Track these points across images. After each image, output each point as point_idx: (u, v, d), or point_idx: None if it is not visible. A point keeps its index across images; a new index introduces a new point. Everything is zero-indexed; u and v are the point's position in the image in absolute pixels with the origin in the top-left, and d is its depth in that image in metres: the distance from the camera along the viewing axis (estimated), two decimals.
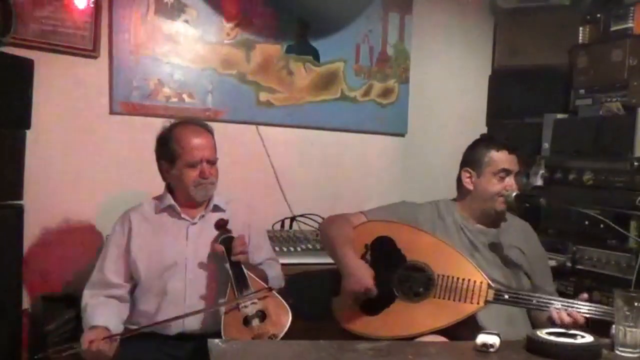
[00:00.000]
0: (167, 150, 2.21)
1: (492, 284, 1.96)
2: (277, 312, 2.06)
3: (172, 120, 2.31)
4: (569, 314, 1.83)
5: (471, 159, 2.21)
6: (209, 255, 2.19)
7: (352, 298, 2.04)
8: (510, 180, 2.14)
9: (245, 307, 2.05)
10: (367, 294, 1.97)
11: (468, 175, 2.21)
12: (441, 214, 2.22)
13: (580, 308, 1.85)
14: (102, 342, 1.96)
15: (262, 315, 2.05)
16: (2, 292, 2.28)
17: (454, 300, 1.97)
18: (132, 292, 2.22)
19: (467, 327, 1.93)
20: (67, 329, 2.68)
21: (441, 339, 1.92)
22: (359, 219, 2.20)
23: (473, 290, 1.95)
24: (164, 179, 2.29)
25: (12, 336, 2.38)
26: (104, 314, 2.09)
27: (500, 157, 2.16)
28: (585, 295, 1.91)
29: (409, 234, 2.12)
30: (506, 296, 1.94)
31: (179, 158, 2.18)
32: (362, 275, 1.98)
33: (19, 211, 2.35)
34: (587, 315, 1.84)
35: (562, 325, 1.80)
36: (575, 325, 1.81)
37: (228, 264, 2.10)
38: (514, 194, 2.20)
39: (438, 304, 1.98)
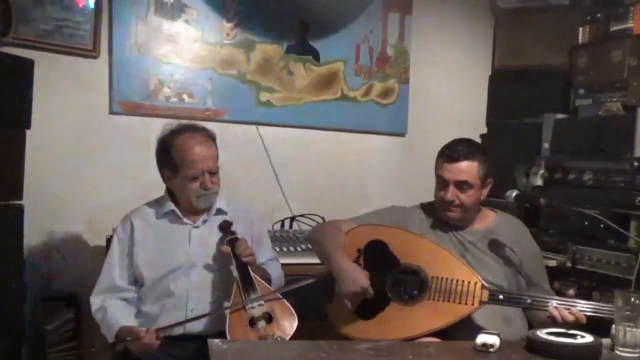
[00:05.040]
0: (168, 159, 2.19)
1: (486, 285, 1.96)
2: (283, 315, 2.06)
3: (173, 124, 2.27)
4: (570, 312, 1.83)
5: None
6: (212, 257, 2.20)
7: (347, 302, 2.04)
8: (447, 190, 2.10)
9: (253, 308, 2.05)
10: (364, 294, 1.97)
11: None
12: (429, 216, 2.23)
13: (576, 306, 1.85)
14: (154, 335, 1.98)
15: (269, 317, 2.05)
16: (2, 292, 2.28)
17: (448, 302, 1.96)
18: None
19: (463, 328, 1.93)
20: (67, 329, 2.69)
21: (437, 341, 1.91)
22: (348, 225, 2.19)
23: (467, 292, 1.95)
24: (165, 182, 2.27)
25: (12, 336, 2.38)
26: (126, 315, 2.11)
27: (439, 165, 2.14)
28: (572, 292, 1.91)
29: (401, 237, 2.12)
30: (500, 296, 1.94)
31: (181, 170, 2.16)
32: (356, 276, 1.98)
33: (19, 211, 2.35)
34: (588, 313, 1.84)
35: (564, 324, 1.79)
36: (577, 323, 1.80)
37: (235, 266, 2.10)
38: (514, 194, 2.18)
39: (433, 306, 1.97)
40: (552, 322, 1.84)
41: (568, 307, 1.85)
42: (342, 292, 2.00)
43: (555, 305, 1.86)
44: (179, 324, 2.09)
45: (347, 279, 1.98)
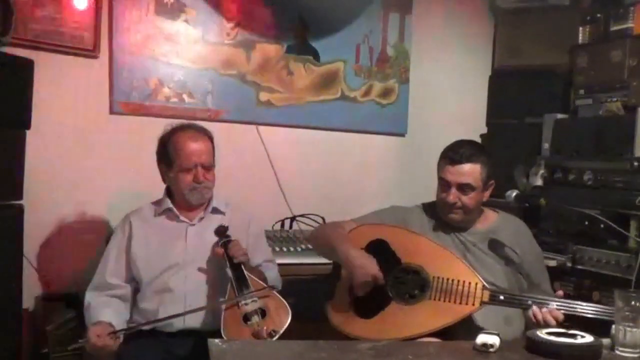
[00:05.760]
0: (165, 154, 2.26)
1: (487, 285, 1.96)
2: (277, 310, 2.08)
3: (174, 123, 2.34)
4: (550, 313, 1.83)
5: None
6: (208, 255, 2.22)
7: (358, 290, 2.03)
8: (449, 192, 2.11)
9: (246, 304, 2.06)
10: (376, 281, 1.98)
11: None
12: (431, 217, 2.23)
13: (576, 307, 1.85)
14: (108, 337, 2.00)
15: (263, 312, 2.06)
16: (2, 292, 2.28)
17: (449, 302, 1.96)
18: (135, 292, 2.26)
19: (464, 329, 1.93)
20: (67, 329, 2.68)
21: (437, 341, 1.91)
22: (350, 226, 2.20)
23: (469, 292, 1.95)
24: (164, 181, 2.32)
25: (12, 336, 2.38)
26: (107, 311, 2.13)
27: (442, 167, 2.15)
28: (561, 292, 1.92)
29: (403, 236, 2.12)
30: (501, 297, 1.94)
31: (175, 163, 2.22)
32: (366, 264, 1.99)
33: (19, 211, 2.35)
34: (589, 315, 1.84)
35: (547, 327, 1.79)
36: (557, 323, 1.81)
37: (229, 267, 2.12)
38: (514, 194, 2.18)
39: (434, 306, 1.98)
40: (536, 325, 1.83)
41: (568, 308, 1.85)
42: (352, 282, 2.01)
43: (534, 309, 1.86)
44: (142, 324, 2.12)
45: (357, 268, 1.99)
